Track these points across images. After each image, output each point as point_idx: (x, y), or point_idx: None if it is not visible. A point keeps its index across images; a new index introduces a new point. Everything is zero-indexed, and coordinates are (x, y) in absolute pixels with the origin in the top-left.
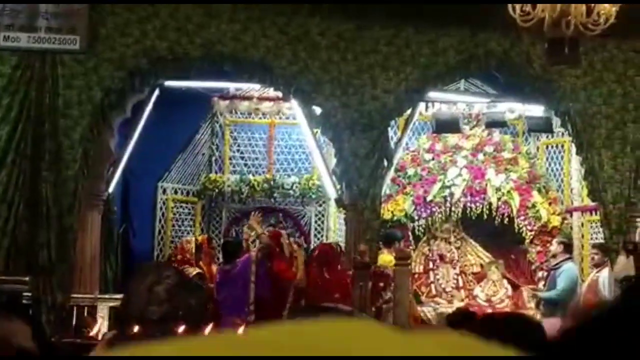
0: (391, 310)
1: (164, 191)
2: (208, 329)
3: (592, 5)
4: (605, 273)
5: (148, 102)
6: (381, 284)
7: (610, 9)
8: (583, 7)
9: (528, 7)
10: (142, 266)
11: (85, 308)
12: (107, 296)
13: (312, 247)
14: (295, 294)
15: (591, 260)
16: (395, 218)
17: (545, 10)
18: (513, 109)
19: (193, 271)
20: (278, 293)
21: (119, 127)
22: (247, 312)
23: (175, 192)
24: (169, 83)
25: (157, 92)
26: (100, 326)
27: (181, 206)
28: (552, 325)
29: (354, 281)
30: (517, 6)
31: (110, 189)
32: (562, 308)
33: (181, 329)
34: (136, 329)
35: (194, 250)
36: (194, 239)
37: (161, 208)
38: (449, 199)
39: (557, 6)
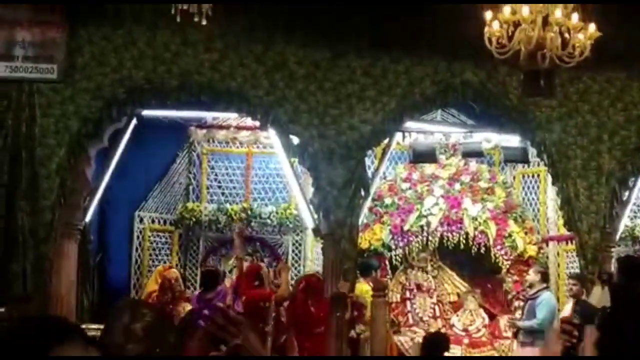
0: (368, 340)
1: (141, 220)
2: None
3: (568, 37)
4: None
5: (125, 131)
6: (355, 313)
7: (585, 42)
8: (558, 40)
9: (504, 40)
10: (120, 302)
11: None
12: (83, 326)
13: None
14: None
15: (569, 290)
16: (372, 247)
17: (521, 42)
18: (489, 139)
19: (187, 307)
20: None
21: (96, 157)
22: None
23: (153, 222)
24: (146, 112)
25: (134, 121)
26: None
27: (158, 235)
28: (529, 353)
29: (331, 311)
30: (493, 38)
31: (87, 218)
32: (541, 337)
33: None
34: None
35: (182, 285)
36: (176, 271)
37: (138, 237)
38: (425, 228)
39: (533, 39)
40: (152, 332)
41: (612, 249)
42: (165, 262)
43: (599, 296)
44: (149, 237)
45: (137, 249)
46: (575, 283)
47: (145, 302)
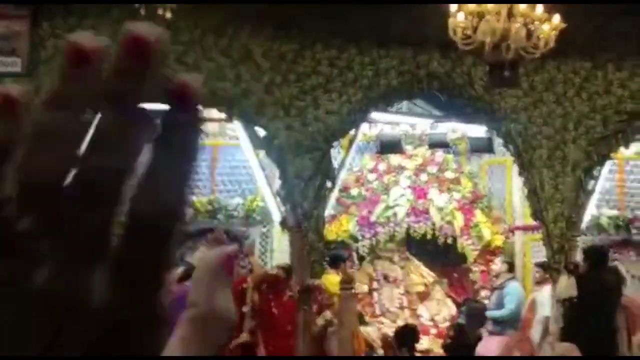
0: (335, 332)
1: None
2: None
3: (532, 29)
4: (543, 292)
5: None
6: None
7: (550, 33)
8: (523, 31)
9: (469, 31)
10: None
11: None
12: None
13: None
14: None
15: (534, 278)
16: (339, 238)
17: (485, 34)
18: (455, 129)
19: None
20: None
21: None
22: None
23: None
24: None
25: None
26: None
27: None
28: (498, 342)
29: (298, 305)
30: (458, 30)
31: None
32: (510, 326)
33: None
34: None
35: None
36: None
37: None
38: (392, 219)
39: (497, 30)
40: None
41: (578, 238)
42: None
43: (565, 285)
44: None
45: None
46: (538, 270)
47: None
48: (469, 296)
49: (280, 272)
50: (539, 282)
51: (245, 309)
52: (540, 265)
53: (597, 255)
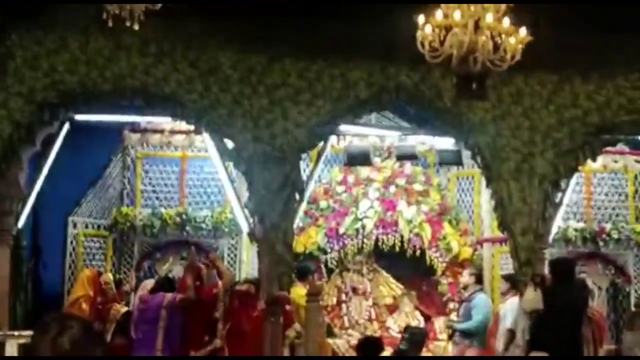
0: (302, 344)
1: (75, 225)
2: None
3: (499, 41)
4: (507, 304)
5: (58, 136)
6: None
7: (517, 46)
8: (490, 44)
9: (436, 44)
10: (45, 318)
11: None
12: (16, 333)
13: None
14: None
15: (500, 289)
16: (307, 251)
17: (453, 46)
18: (424, 142)
19: (122, 309)
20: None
21: (29, 161)
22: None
23: (86, 227)
24: (80, 117)
25: (67, 126)
26: None
27: (92, 240)
28: (467, 355)
29: (266, 316)
30: (426, 42)
31: (20, 224)
32: (477, 339)
33: None
34: None
35: (115, 288)
36: (110, 275)
37: (72, 242)
38: (361, 231)
39: (465, 43)
40: (78, 344)
41: (545, 251)
42: (100, 267)
43: (531, 298)
44: (83, 242)
45: (70, 254)
46: (503, 282)
47: (71, 314)
48: (438, 309)
49: (250, 287)
50: (504, 294)
51: (217, 314)
52: (505, 277)
53: (563, 268)
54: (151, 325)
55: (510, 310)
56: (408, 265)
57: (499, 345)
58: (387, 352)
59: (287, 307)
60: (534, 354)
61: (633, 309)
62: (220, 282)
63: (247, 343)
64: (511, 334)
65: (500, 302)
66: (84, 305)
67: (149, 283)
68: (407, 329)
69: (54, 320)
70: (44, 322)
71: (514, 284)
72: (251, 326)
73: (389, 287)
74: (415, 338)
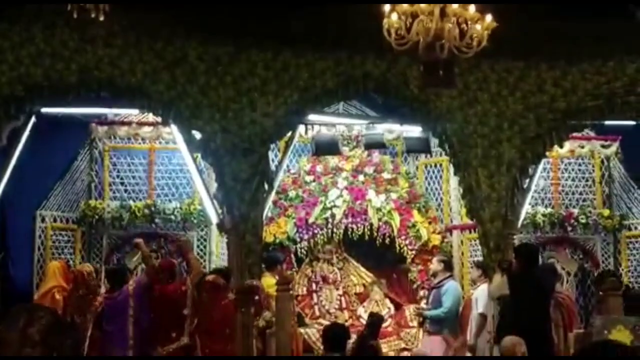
0: (273, 333)
1: (43, 219)
2: None
3: (465, 28)
4: (478, 291)
5: (24, 130)
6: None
7: (483, 32)
8: (456, 31)
9: (402, 31)
10: (14, 309)
11: None
12: None
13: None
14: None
15: (468, 275)
16: (277, 240)
17: (419, 33)
18: (392, 130)
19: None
20: (169, 316)
21: None
22: (127, 346)
23: (54, 220)
24: (46, 110)
25: (33, 119)
26: None
27: (60, 234)
28: (438, 342)
29: (236, 306)
30: (392, 30)
31: None
32: (447, 326)
33: None
34: None
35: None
36: (90, 266)
37: (40, 236)
38: (330, 220)
39: (431, 30)
40: (48, 335)
41: (514, 237)
42: (68, 261)
43: (497, 284)
44: (51, 235)
45: (39, 248)
46: (471, 269)
47: (40, 305)
48: (408, 297)
49: (217, 278)
50: (474, 281)
51: (186, 311)
52: (477, 264)
53: (527, 253)
54: (121, 318)
55: (482, 296)
56: (378, 254)
57: (471, 330)
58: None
59: (257, 297)
60: (508, 339)
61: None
62: (188, 278)
63: (217, 333)
64: (483, 318)
65: (470, 289)
66: (57, 296)
67: None
68: (371, 315)
69: (22, 311)
70: (14, 312)
71: (485, 270)
72: (221, 315)
73: (359, 275)
74: (373, 323)
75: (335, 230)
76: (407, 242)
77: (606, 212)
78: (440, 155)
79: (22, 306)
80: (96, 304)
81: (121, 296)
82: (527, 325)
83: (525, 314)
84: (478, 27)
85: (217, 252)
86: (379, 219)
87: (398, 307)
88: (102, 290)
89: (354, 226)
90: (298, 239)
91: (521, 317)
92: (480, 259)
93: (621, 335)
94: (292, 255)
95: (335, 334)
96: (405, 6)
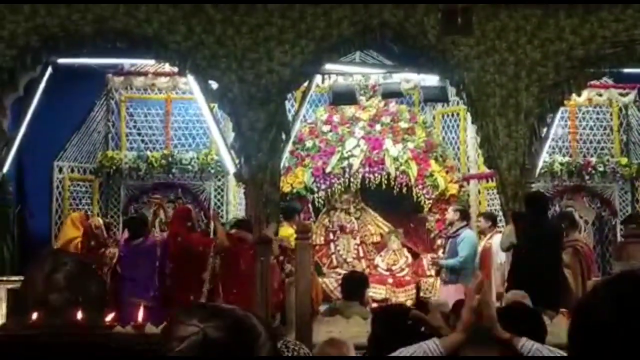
0: (294, 283)
1: (60, 170)
2: (110, 316)
3: None
4: (496, 240)
5: (41, 81)
6: (281, 257)
7: None
8: None
9: None
10: (40, 253)
11: None
12: (4, 278)
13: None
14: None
15: (477, 228)
16: (294, 190)
17: None
18: (409, 79)
19: (114, 254)
20: (189, 270)
21: (12, 107)
22: (151, 297)
23: (72, 171)
24: (62, 60)
25: (49, 70)
26: None
27: (78, 185)
28: (454, 291)
29: (255, 255)
30: None
31: (5, 169)
32: (464, 275)
33: (79, 314)
34: (35, 316)
35: (105, 232)
36: (100, 219)
37: (57, 187)
38: (347, 170)
39: None
40: (73, 280)
41: (532, 185)
42: (87, 211)
43: (507, 234)
44: (69, 186)
45: (57, 199)
46: (480, 220)
47: (66, 251)
48: (425, 246)
49: (243, 234)
50: (484, 232)
51: (205, 275)
52: (485, 215)
53: (532, 201)
54: (144, 266)
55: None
56: (395, 203)
57: (495, 280)
58: (373, 289)
59: (284, 243)
60: (511, 293)
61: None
62: (213, 243)
63: (242, 281)
64: (504, 268)
65: (480, 240)
66: (80, 246)
67: None
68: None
69: (49, 256)
70: (40, 257)
71: (494, 220)
72: (246, 264)
73: (377, 225)
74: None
75: (352, 179)
76: (424, 191)
77: (624, 160)
78: (458, 104)
79: (49, 250)
80: (106, 257)
81: (146, 244)
82: (535, 274)
83: (533, 262)
84: None
85: (234, 202)
86: (396, 169)
87: (415, 256)
88: (121, 240)
89: (371, 176)
90: (315, 189)
91: (528, 267)
92: (497, 208)
93: None
94: (310, 205)
95: (354, 281)
96: None
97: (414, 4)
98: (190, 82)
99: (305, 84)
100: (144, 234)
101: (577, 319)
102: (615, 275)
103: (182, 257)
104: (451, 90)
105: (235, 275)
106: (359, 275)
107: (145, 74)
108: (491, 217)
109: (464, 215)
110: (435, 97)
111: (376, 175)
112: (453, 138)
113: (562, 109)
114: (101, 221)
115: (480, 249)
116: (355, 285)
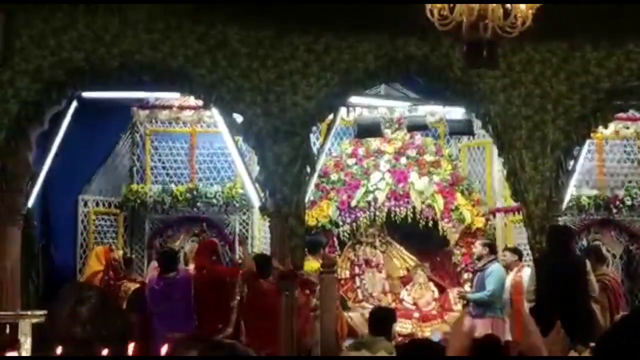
0: (319, 317)
1: (85, 204)
2: (131, 347)
3: (509, 7)
4: (526, 272)
5: (66, 114)
6: (307, 292)
7: (527, 12)
8: (500, 10)
9: (446, 11)
10: (65, 287)
11: (7, 325)
12: (29, 313)
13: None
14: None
15: (502, 262)
16: (319, 224)
17: (462, 13)
18: (434, 112)
19: (133, 286)
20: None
21: (37, 140)
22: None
23: (97, 205)
24: (87, 94)
25: (75, 104)
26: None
27: (103, 218)
28: (483, 326)
29: (279, 290)
30: (435, 10)
31: (30, 204)
32: (491, 309)
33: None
34: (59, 350)
35: (124, 265)
36: (120, 252)
37: (83, 221)
38: (372, 203)
39: (475, 9)
40: (97, 314)
41: (559, 219)
42: (111, 245)
43: (529, 276)
44: (94, 220)
45: (82, 233)
46: (505, 254)
47: (90, 284)
48: (452, 280)
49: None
50: (510, 267)
51: (233, 303)
52: (510, 249)
53: (550, 236)
54: (176, 300)
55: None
56: (421, 237)
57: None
58: (399, 323)
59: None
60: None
61: None
62: (241, 271)
63: (261, 319)
64: None
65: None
66: (100, 280)
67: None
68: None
69: (74, 290)
70: (64, 291)
71: (520, 255)
72: (265, 299)
73: (402, 259)
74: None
75: (377, 213)
76: (450, 224)
77: None
78: (483, 137)
79: (73, 284)
80: (125, 289)
81: (179, 276)
82: (556, 307)
83: (556, 297)
84: (522, 6)
85: (259, 235)
86: (422, 202)
87: (442, 290)
88: (148, 274)
89: (397, 209)
90: (340, 223)
91: (553, 301)
92: (524, 241)
93: None
94: (335, 239)
95: (381, 317)
96: None
97: (439, 37)
98: (215, 115)
99: (330, 117)
100: (175, 268)
101: (599, 350)
102: (637, 308)
103: (207, 289)
104: (477, 123)
105: (258, 310)
106: (386, 310)
107: (170, 107)
108: (516, 251)
109: (492, 249)
110: (461, 130)
111: (402, 208)
112: (479, 171)
113: (588, 141)
114: (119, 254)
115: (510, 282)
116: (382, 320)
